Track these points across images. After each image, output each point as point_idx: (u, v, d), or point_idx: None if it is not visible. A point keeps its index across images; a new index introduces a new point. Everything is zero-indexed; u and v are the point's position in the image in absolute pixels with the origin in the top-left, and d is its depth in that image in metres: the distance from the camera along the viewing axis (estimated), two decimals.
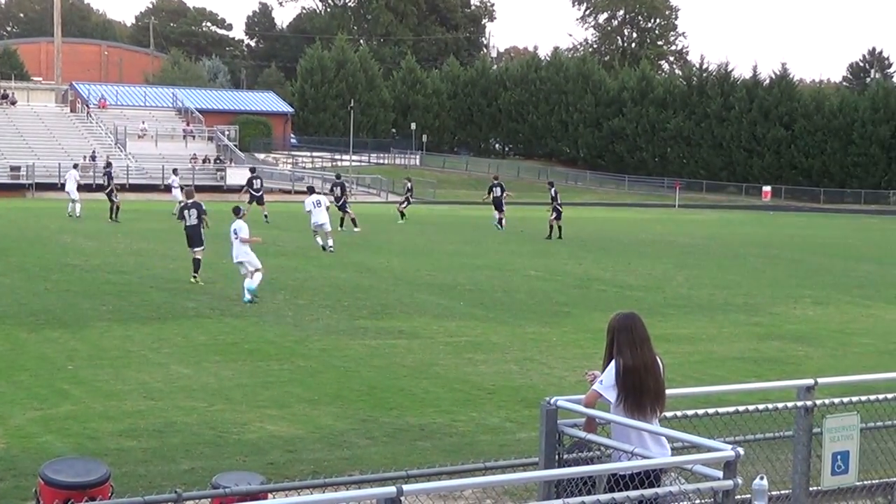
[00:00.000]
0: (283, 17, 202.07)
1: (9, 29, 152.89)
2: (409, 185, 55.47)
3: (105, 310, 21.50)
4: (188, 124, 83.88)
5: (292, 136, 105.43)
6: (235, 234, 23.94)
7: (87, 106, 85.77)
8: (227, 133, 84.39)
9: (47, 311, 21.00)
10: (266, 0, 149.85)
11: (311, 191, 36.80)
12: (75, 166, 52.19)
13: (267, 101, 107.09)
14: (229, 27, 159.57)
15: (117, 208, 44.85)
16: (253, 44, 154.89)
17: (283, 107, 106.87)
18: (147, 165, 72.64)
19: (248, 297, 23.10)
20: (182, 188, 37.23)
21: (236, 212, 24.64)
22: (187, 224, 26.54)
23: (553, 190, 44.12)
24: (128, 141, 77.37)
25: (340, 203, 42.67)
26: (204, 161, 77.03)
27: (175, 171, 56.01)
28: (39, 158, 69.43)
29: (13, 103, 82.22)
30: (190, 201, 27.15)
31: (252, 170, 59.41)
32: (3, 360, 16.57)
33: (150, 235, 37.85)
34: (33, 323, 19.71)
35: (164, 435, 12.70)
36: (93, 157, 70.90)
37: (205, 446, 12.31)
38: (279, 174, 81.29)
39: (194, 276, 25.93)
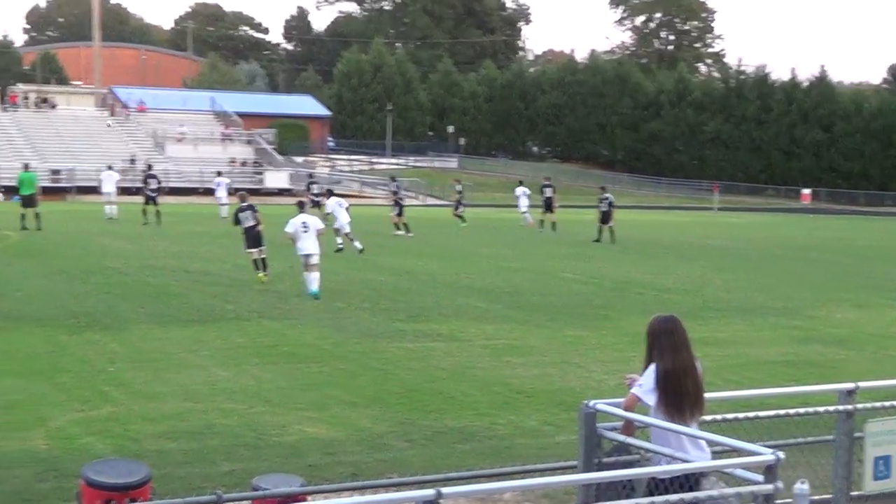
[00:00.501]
0: (320, 20, 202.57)
1: (49, 34, 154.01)
2: (458, 187, 55.50)
3: (145, 312, 21.63)
4: (227, 128, 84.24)
5: (330, 139, 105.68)
6: (306, 227, 24.57)
7: (127, 109, 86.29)
8: (265, 136, 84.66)
9: (88, 314, 21.14)
10: (303, 4, 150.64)
11: (330, 193, 37.49)
12: (110, 167, 52.47)
13: (304, 105, 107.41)
14: (266, 31, 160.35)
15: (157, 213, 44.96)
16: (290, 47, 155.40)
17: (320, 110, 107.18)
18: (186, 169, 73.00)
19: (315, 289, 24.17)
20: (236, 192, 37.48)
21: (301, 206, 25.36)
22: (245, 226, 27.06)
23: (606, 195, 43.74)
24: (167, 144, 77.77)
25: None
26: (243, 164, 77.34)
27: (220, 174, 56.39)
28: (80, 162, 69.88)
29: (53, 107, 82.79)
30: (245, 204, 27.80)
31: (310, 175, 60.50)
32: (44, 362, 16.70)
33: (191, 238, 38.02)
34: (74, 325, 19.85)
35: (204, 437, 12.77)
36: (132, 161, 71.33)
37: (244, 448, 12.37)
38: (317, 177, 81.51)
39: (265, 274, 26.57)
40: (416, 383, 15.93)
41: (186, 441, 12.57)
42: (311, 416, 13.79)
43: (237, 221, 27.58)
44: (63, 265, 29.05)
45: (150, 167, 51.08)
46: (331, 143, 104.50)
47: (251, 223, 27.08)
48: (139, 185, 48.58)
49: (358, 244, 34.63)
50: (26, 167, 43.60)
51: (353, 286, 26.69)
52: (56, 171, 68.19)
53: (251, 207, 27.64)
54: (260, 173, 76.82)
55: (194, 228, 42.82)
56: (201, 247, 34.74)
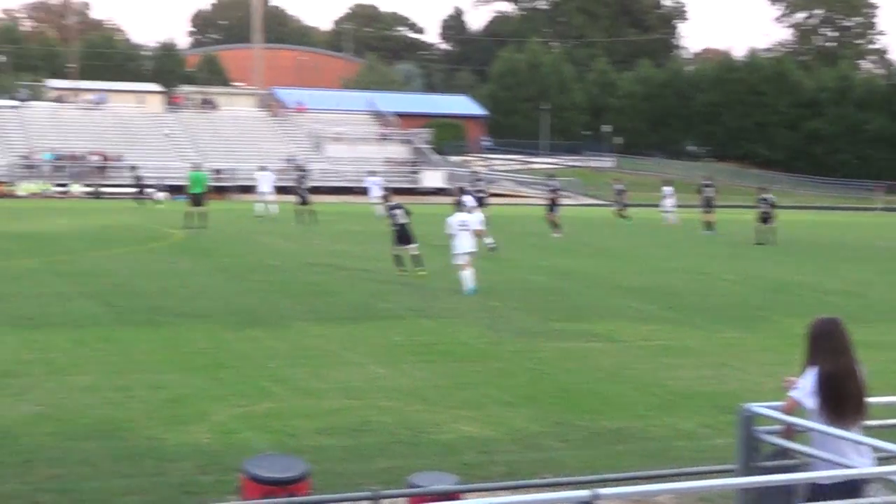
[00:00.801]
0: (476, 20, 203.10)
1: (212, 36, 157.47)
2: (618, 186, 55.17)
3: (303, 310, 21.99)
4: (383, 127, 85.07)
5: (485, 138, 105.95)
6: (464, 225, 25.15)
7: (286, 109, 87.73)
8: (421, 136, 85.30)
9: (249, 311, 21.58)
10: (459, 4, 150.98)
11: (462, 191, 38.16)
12: (263, 168, 53.75)
13: (460, 105, 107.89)
14: (423, 31, 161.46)
15: (311, 212, 45.61)
16: (446, 47, 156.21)
17: (476, 110, 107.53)
18: (343, 168, 73.95)
19: (472, 286, 24.61)
20: (384, 194, 37.99)
21: (459, 205, 25.78)
22: (398, 223, 27.84)
23: (765, 195, 43.04)
24: (325, 144, 78.85)
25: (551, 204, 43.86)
26: (399, 164, 78.04)
27: (373, 174, 57.09)
28: (241, 161, 71.31)
29: (215, 108, 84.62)
30: (394, 202, 28.67)
31: (474, 173, 61.20)
32: (207, 357, 17.10)
33: (347, 237, 38.54)
34: (235, 322, 20.28)
35: (361, 434, 12.92)
36: (290, 161, 72.56)
37: (400, 445, 12.49)
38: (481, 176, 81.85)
39: (421, 270, 27.36)
40: (572, 383, 15.89)
41: (344, 437, 12.74)
42: (467, 415, 13.86)
43: (392, 217, 28.26)
44: (225, 263, 29.71)
45: (301, 167, 52.04)
46: (486, 143, 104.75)
47: (404, 220, 27.85)
48: (293, 184, 49.40)
49: (489, 240, 34.70)
50: (197, 167, 44.61)
51: (509, 285, 26.73)
52: (218, 171, 69.71)
53: (399, 206, 28.42)
54: (416, 173, 77.41)
55: (351, 227, 43.37)
56: (357, 245, 35.17)
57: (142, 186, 61.69)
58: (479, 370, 16.66)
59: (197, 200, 41.52)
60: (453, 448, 12.44)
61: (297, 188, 47.48)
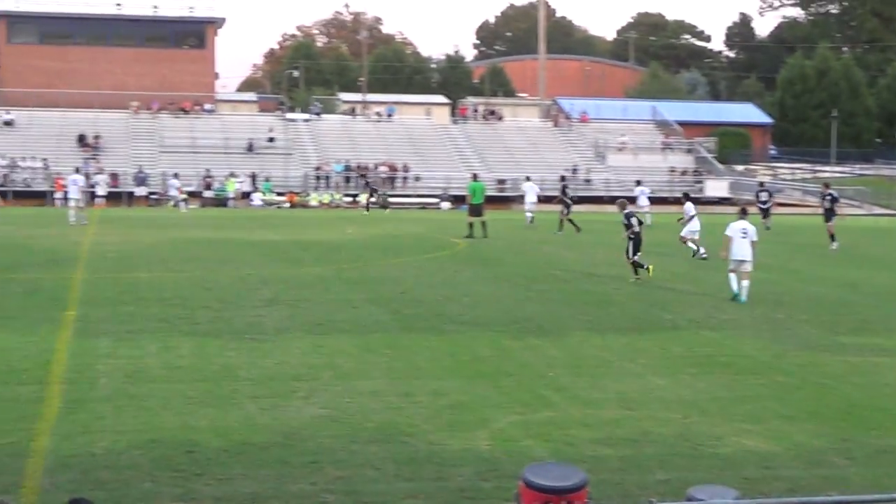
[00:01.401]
0: (763, 27, 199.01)
1: (497, 48, 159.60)
2: None
3: (584, 319, 22.01)
4: (667, 137, 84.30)
5: (771, 147, 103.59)
6: (745, 233, 25.06)
7: (570, 119, 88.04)
8: (705, 145, 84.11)
9: (530, 319, 21.75)
10: (746, 10, 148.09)
11: (686, 197, 38.61)
12: (528, 178, 55.50)
13: (746, 113, 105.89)
14: (709, 39, 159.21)
15: (569, 221, 45.78)
16: (732, 55, 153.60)
17: (762, 118, 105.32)
18: (626, 178, 73.62)
19: (744, 297, 24.54)
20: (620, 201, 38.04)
21: (743, 213, 25.81)
22: (635, 231, 28.69)
23: None
24: (608, 154, 78.76)
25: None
26: (683, 173, 77.18)
27: (639, 183, 56.88)
28: (525, 171, 71.93)
29: (500, 119, 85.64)
30: (627, 211, 29.57)
31: (760, 184, 60.30)
32: (488, 365, 17.32)
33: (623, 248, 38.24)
34: (517, 330, 20.47)
35: (639, 445, 12.85)
36: (574, 171, 72.75)
37: (679, 458, 12.36)
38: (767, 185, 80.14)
39: (648, 269, 28.39)
40: (859, 399, 15.37)
41: (622, 448, 12.70)
42: (748, 429, 13.59)
43: (629, 227, 28.93)
44: (507, 272, 30.03)
45: (564, 178, 52.61)
46: (772, 151, 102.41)
47: (638, 229, 28.80)
48: (557, 194, 49.81)
49: (702, 250, 34.19)
50: (475, 177, 45.32)
51: (793, 297, 26.06)
52: (501, 181, 70.55)
53: (633, 214, 29.58)
54: (700, 182, 76.35)
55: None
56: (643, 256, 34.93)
57: (372, 191, 64.41)
58: (761, 383, 16.31)
59: (476, 210, 42.10)
60: (733, 462, 12.23)
61: (562, 198, 47.74)
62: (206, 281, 26.83)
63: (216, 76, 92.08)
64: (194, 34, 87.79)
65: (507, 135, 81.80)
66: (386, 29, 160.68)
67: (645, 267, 28.56)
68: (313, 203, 67.38)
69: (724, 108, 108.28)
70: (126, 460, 11.88)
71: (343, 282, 27.26)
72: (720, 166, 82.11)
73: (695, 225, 35.76)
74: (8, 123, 73.12)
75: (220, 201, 65.70)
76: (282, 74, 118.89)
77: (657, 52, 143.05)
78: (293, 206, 66.06)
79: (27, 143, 70.58)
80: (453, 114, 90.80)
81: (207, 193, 66.47)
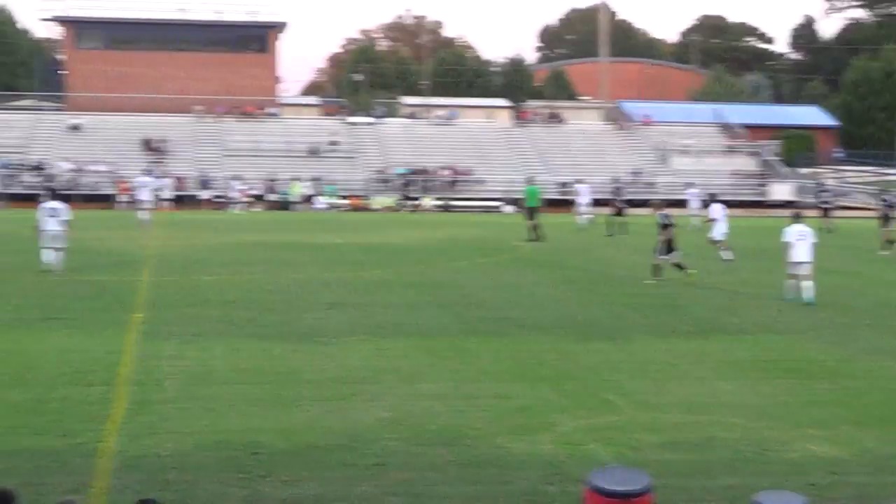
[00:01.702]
0: (828, 28, 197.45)
1: (559, 51, 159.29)
2: None
3: (648, 323, 21.93)
4: (731, 140, 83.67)
5: (838, 150, 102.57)
6: (802, 235, 25.46)
7: (632, 123, 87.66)
8: (769, 148, 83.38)
9: (593, 323, 21.70)
10: (810, 12, 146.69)
11: (713, 199, 38.40)
12: (579, 181, 56.21)
13: (810, 115, 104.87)
14: (771, 41, 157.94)
15: (623, 223, 45.81)
16: (796, 57, 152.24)
17: (826, 120, 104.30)
18: (689, 181, 73.16)
19: (809, 296, 24.71)
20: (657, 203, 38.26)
21: (797, 216, 26.51)
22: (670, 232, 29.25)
23: None
24: (671, 157, 78.32)
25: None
26: (747, 176, 76.57)
27: (691, 185, 56.84)
28: (586, 175, 71.70)
29: (562, 122, 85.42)
30: (664, 212, 30.17)
31: (820, 185, 60.17)
32: (553, 368, 17.31)
33: (693, 250, 38.00)
34: (580, 334, 20.43)
35: (704, 449, 12.79)
36: (636, 174, 72.50)
37: (745, 463, 12.28)
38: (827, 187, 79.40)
39: (654, 278, 28.74)
40: None
41: (687, 453, 12.64)
42: (815, 434, 13.48)
43: (666, 227, 29.38)
44: (570, 275, 29.97)
45: (617, 179, 52.76)
46: (839, 154, 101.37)
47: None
48: (610, 196, 49.84)
49: (729, 254, 34.07)
50: (531, 181, 45.46)
51: (857, 301, 25.83)
52: (564, 184, 70.37)
53: (668, 216, 29.85)
54: (763, 185, 75.72)
55: (697, 241, 42.76)
56: (704, 260, 34.70)
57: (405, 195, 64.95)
58: (827, 388, 16.17)
59: (531, 213, 42.16)
60: (800, 467, 12.14)
61: (615, 200, 47.71)
62: (269, 284, 27.01)
63: (278, 80, 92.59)
64: (257, 38, 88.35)
65: (569, 138, 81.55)
66: (447, 32, 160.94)
67: (657, 276, 28.84)
68: (375, 206, 67.58)
69: (788, 111, 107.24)
70: (193, 461, 11.99)
71: (405, 285, 27.33)
72: (784, 169, 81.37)
73: (722, 227, 35.56)
74: (75, 128, 73.93)
75: (284, 205, 66.06)
76: (344, 78, 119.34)
77: (720, 55, 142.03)
78: (356, 209, 66.29)
79: (94, 147, 71.32)
80: (515, 117, 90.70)
81: (271, 197, 66.86)
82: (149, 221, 45.89)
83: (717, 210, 36.32)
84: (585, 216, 50.62)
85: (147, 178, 51.93)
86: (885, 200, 42.18)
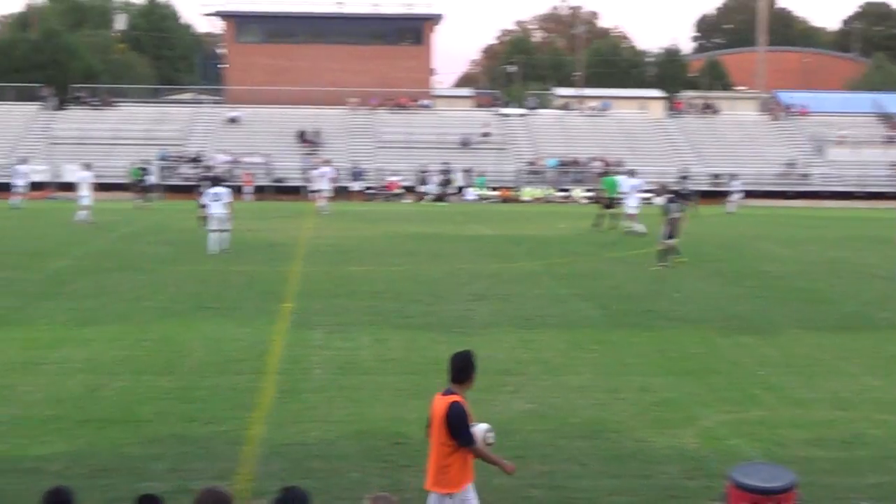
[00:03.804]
0: None
1: (716, 40, 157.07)
2: None
3: (797, 317, 21.57)
4: (890, 130, 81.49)
5: None
6: None
7: (789, 113, 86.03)
8: None
9: (740, 316, 21.43)
10: None
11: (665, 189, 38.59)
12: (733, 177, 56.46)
13: None
14: None
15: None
16: None
17: None
18: (846, 172, 71.62)
19: None
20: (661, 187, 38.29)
21: None
22: (673, 217, 29.61)
23: None
24: (827, 148, 76.67)
25: None
26: None
27: (733, 177, 57.48)
28: (741, 166, 70.68)
29: (716, 112, 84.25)
30: (672, 196, 31.06)
31: None
32: (698, 361, 17.17)
33: (844, 244, 37.26)
34: (727, 327, 20.21)
35: (852, 446, 12.57)
36: (791, 165, 71.22)
37: (894, 461, 12.04)
38: None
39: (662, 263, 29.03)
40: None
41: (834, 450, 12.45)
42: None
43: (666, 212, 29.91)
44: (718, 267, 29.61)
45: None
46: None
47: (677, 214, 29.71)
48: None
49: (641, 227, 35.97)
50: (607, 172, 46.40)
51: None
52: (716, 176, 69.41)
53: (676, 200, 30.61)
54: None
55: (851, 233, 41.87)
56: (856, 252, 34.00)
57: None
58: None
59: (609, 203, 42.66)
60: None
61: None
62: (417, 275, 27.25)
63: (433, 72, 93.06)
64: (412, 31, 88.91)
65: (723, 129, 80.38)
66: (603, 23, 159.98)
67: (676, 255, 29.48)
68: (526, 198, 67.54)
69: None
70: (336, 450, 12.21)
71: (553, 277, 27.32)
72: None
73: (633, 202, 38.64)
74: (233, 120, 75.47)
75: (438, 196, 66.45)
76: (498, 70, 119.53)
77: (883, 43, 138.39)
78: (506, 200, 66.35)
79: (250, 139, 72.73)
80: (669, 108, 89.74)
81: (426, 188, 67.28)
82: (326, 208, 48.79)
83: (627, 183, 39.51)
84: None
85: (327, 168, 54.37)
86: None
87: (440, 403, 8.69)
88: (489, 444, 8.90)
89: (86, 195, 40.94)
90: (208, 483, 10.22)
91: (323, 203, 49.67)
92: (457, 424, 8.55)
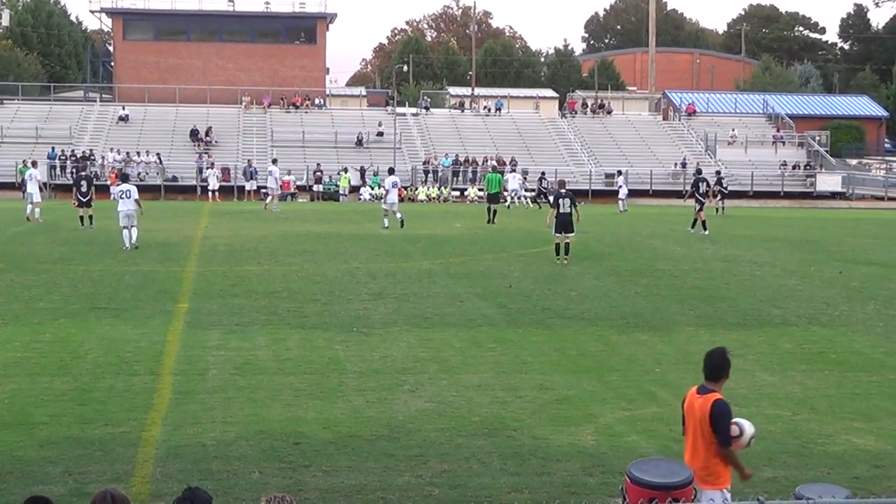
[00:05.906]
0: (879, 17, 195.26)
1: (606, 41, 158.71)
2: None
3: (692, 315, 21.84)
4: (778, 130, 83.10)
5: (886, 140, 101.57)
6: None
7: (679, 113, 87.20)
8: (817, 139, 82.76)
9: (637, 315, 21.63)
10: (861, 1, 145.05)
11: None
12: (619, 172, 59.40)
13: (860, 106, 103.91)
14: (822, 31, 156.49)
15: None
16: (846, 47, 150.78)
17: (877, 111, 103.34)
18: (736, 172, 72.78)
19: None
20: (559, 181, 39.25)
21: None
22: (563, 211, 29.87)
23: None
24: (717, 148, 77.89)
25: None
26: (794, 168, 76.03)
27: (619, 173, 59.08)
28: (632, 166, 71.48)
29: (608, 112, 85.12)
30: (563, 191, 30.82)
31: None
32: (595, 359, 17.28)
33: (739, 241, 37.83)
34: (623, 325, 20.39)
35: None
36: (683, 165, 72.15)
37: (788, 455, 12.22)
38: (871, 180, 78.65)
39: (566, 258, 29.67)
40: None
41: None
42: (859, 427, 13.39)
43: (556, 206, 30.14)
44: (615, 266, 29.84)
45: (700, 171, 52.52)
46: (887, 145, 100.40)
47: (567, 210, 29.84)
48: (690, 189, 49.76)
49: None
50: (493, 169, 49.10)
51: None
52: (609, 175, 70.11)
53: (565, 195, 30.38)
54: (812, 176, 75.14)
55: (743, 232, 42.55)
56: (749, 250, 34.53)
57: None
58: (874, 381, 16.06)
59: (493, 199, 46.40)
60: (844, 460, 12.06)
61: (694, 192, 47.47)
62: (314, 274, 27.10)
63: (326, 71, 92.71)
64: (305, 29, 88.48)
65: (615, 129, 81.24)
66: (495, 23, 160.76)
67: (558, 255, 29.90)
68: (421, 197, 67.61)
69: (837, 101, 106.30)
70: (235, 451, 12.07)
71: (449, 276, 27.34)
72: (832, 160, 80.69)
73: (392, 198, 41.00)
74: (123, 119, 74.49)
75: (331, 195, 66.22)
76: (391, 69, 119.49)
77: (769, 45, 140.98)
78: (401, 200, 66.30)
79: (141, 137, 71.87)
80: (562, 108, 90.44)
81: (317, 187, 67.01)
82: (276, 206, 51.84)
83: (388, 182, 41.79)
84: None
85: (275, 168, 54.68)
86: None
87: (700, 402, 8.78)
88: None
89: None
90: (105, 486, 10.05)
91: (272, 201, 51.88)
92: (721, 423, 8.69)
